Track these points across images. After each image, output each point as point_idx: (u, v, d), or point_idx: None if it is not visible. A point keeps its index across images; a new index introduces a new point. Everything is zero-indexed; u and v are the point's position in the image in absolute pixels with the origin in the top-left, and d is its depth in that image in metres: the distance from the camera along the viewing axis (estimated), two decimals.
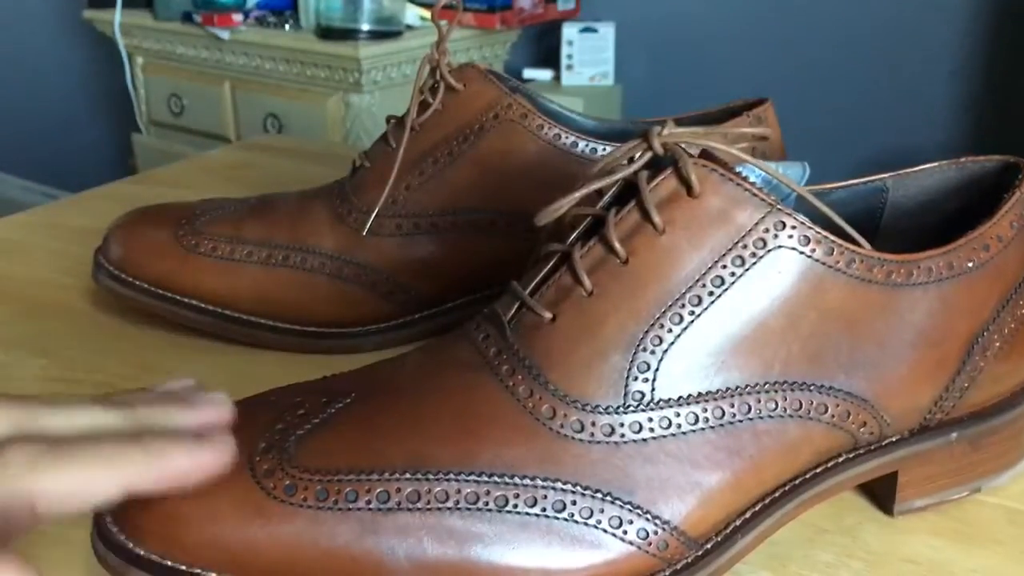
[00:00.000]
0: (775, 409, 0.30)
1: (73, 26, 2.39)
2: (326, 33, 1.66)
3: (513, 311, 0.31)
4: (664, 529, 0.28)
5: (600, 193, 0.31)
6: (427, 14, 1.70)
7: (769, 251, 0.29)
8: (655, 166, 0.30)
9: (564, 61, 1.83)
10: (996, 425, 0.35)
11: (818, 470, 0.32)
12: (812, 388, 0.31)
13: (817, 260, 0.30)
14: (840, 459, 0.33)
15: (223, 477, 0.27)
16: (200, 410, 0.28)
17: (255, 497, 0.27)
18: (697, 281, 0.29)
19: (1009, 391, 0.35)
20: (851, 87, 1.69)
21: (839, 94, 1.70)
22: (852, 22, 1.66)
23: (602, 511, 0.28)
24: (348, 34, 1.63)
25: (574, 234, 0.31)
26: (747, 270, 0.29)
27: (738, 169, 0.30)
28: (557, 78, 1.86)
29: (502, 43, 1.89)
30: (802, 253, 0.30)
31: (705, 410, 0.29)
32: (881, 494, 0.36)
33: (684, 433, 0.29)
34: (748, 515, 0.31)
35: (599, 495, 0.28)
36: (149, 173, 0.78)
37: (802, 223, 0.30)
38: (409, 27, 1.71)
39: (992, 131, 1.60)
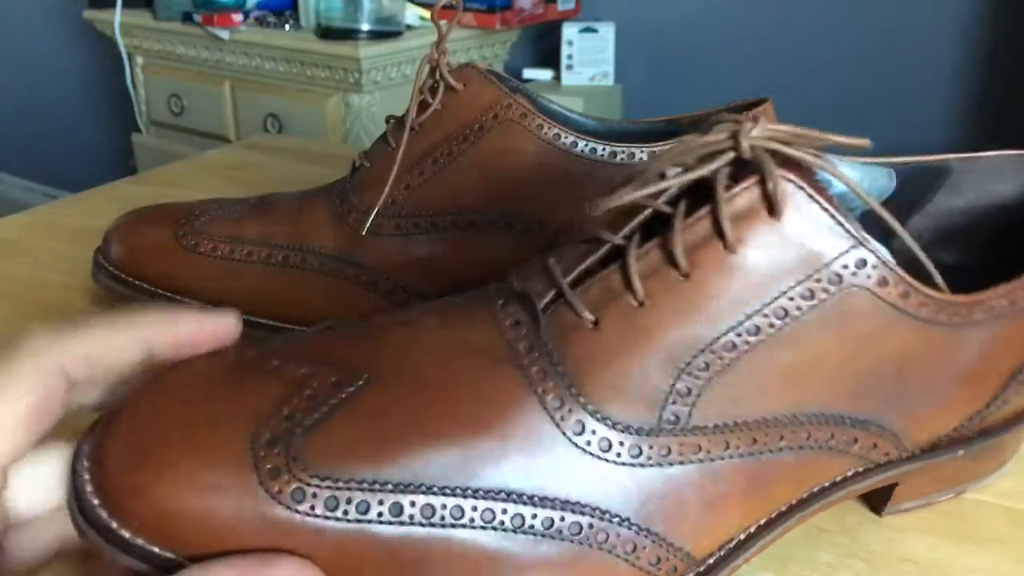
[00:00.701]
0: (807, 439, 0.29)
1: (73, 26, 2.39)
2: (326, 33, 1.66)
3: (548, 300, 0.28)
4: (676, 556, 0.28)
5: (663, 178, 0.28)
6: (427, 14, 1.70)
7: (842, 288, 0.27)
8: (735, 169, 0.27)
9: (564, 61, 1.83)
10: (998, 440, 0.35)
11: (826, 484, 0.32)
12: (847, 422, 0.29)
13: (889, 303, 0.28)
14: (849, 473, 0.32)
15: (223, 471, 0.25)
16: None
17: (259, 499, 0.25)
18: (759, 310, 0.27)
19: (1015, 412, 0.35)
20: (851, 87, 1.69)
21: (839, 94, 1.70)
22: (852, 22, 1.67)
23: (618, 536, 0.27)
24: (348, 34, 1.63)
25: (629, 226, 0.28)
26: (815, 305, 0.27)
27: (817, 177, 0.27)
28: (557, 78, 1.86)
29: (502, 43, 1.89)
30: (875, 295, 0.27)
31: (737, 438, 0.28)
32: (873, 497, 0.36)
33: (712, 460, 0.27)
34: (753, 530, 0.30)
35: (616, 520, 0.27)
36: (149, 173, 0.78)
37: (884, 263, 0.27)
38: (409, 27, 1.71)
39: (993, 132, 1.60)
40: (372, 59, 1.62)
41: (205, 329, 0.27)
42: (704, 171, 0.27)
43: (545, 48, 1.96)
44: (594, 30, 1.81)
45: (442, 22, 0.47)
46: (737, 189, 0.27)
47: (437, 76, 0.47)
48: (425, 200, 0.46)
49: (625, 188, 0.27)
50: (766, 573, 0.33)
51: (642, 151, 0.44)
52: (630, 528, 0.27)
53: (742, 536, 0.30)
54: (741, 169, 0.27)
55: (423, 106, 0.47)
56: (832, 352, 0.28)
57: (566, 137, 0.46)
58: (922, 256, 0.29)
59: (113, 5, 1.91)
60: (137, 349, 0.26)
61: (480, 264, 0.47)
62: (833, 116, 1.70)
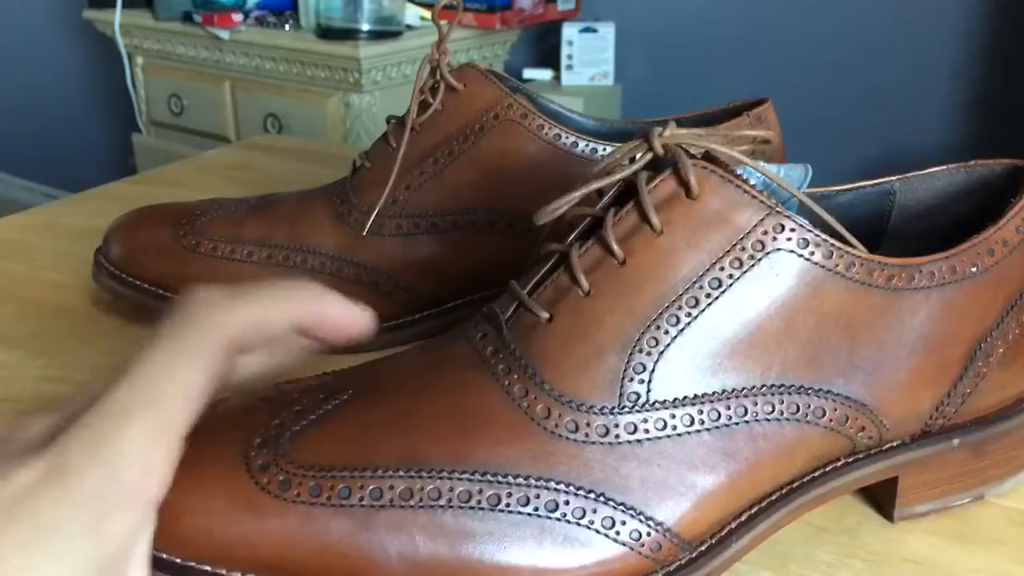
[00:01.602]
0: (772, 412, 0.30)
1: (73, 26, 2.39)
2: (326, 33, 1.66)
3: (511, 310, 0.31)
4: (657, 531, 0.28)
5: (601, 193, 0.31)
6: (427, 14, 1.70)
7: (767, 254, 0.29)
8: (655, 167, 0.30)
9: (564, 61, 1.83)
10: (999, 432, 0.35)
11: (816, 474, 0.32)
12: (810, 392, 0.30)
13: (816, 263, 0.29)
14: (839, 463, 0.32)
15: (217, 470, 0.27)
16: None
17: (248, 491, 0.27)
18: (694, 283, 0.29)
19: (1013, 398, 0.35)
20: (852, 87, 1.69)
21: (840, 94, 1.70)
22: (853, 22, 1.67)
23: (595, 511, 0.28)
24: (348, 34, 1.63)
25: (573, 234, 0.31)
26: (745, 272, 0.29)
27: (738, 171, 0.30)
28: (557, 78, 1.86)
29: (502, 43, 1.89)
30: (801, 256, 0.29)
31: (701, 412, 0.29)
32: (882, 499, 0.36)
33: (679, 435, 0.29)
34: (744, 518, 0.31)
35: (592, 495, 0.28)
36: (149, 173, 0.78)
37: (801, 226, 0.29)
38: (409, 27, 1.71)
39: (994, 132, 1.60)
40: (372, 59, 1.62)
41: (351, 319, 0.30)
42: (626, 172, 0.30)
43: (545, 48, 1.96)
44: (594, 30, 1.81)
45: (442, 22, 0.47)
46: (656, 181, 0.30)
47: (438, 76, 0.47)
48: (426, 200, 0.46)
49: (562, 198, 0.30)
50: (766, 572, 0.33)
51: None
52: (606, 503, 0.28)
53: (734, 524, 0.30)
54: (660, 169, 0.30)
55: (424, 106, 0.47)
56: (773, 317, 0.29)
57: (567, 137, 0.46)
58: (837, 225, 0.30)
59: (113, 5, 1.91)
60: (288, 321, 0.29)
61: (480, 264, 0.47)
62: (833, 116, 1.70)
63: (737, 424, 0.29)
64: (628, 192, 0.31)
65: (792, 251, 0.29)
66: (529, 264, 0.32)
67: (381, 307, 0.47)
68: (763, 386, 0.30)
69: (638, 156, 0.30)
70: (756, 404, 0.30)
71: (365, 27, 1.63)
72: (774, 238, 0.29)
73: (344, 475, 0.27)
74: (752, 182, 0.30)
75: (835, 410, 0.31)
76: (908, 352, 0.32)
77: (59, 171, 2.74)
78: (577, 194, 0.30)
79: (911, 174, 0.37)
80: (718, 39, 1.80)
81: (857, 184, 0.36)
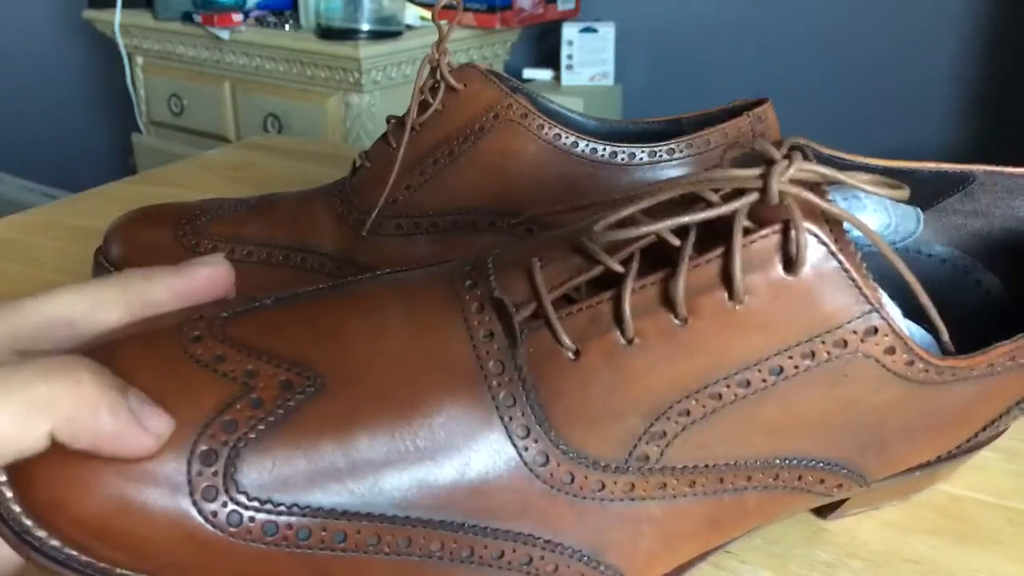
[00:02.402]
0: (774, 480, 0.28)
1: (73, 26, 2.39)
2: (326, 33, 1.66)
3: (528, 314, 0.26)
4: None
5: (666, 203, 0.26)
6: (427, 14, 1.70)
7: (847, 353, 0.25)
8: (758, 209, 0.25)
9: (564, 61, 1.83)
10: (959, 460, 0.34)
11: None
12: (819, 465, 0.28)
13: (891, 370, 0.26)
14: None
15: (156, 486, 0.23)
16: (189, 277, 0.28)
17: (192, 521, 0.23)
18: (754, 364, 0.25)
19: (979, 442, 0.34)
20: (852, 87, 1.69)
21: (840, 94, 1.70)
22: (852, 22, 1.67)
23: (568, 567, 0.26)
24: (348, 34, 1.63)
25: (629, 250, 0.26)
26: (813, 366, 0.25)
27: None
28: (557, 78, 1.86)
29: (502, 43, 1.89)
30: (879, 362, 0.26)
31: (705, 479, 0.27)
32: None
33: (674, 498, 0.26)
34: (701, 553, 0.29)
35: (568, 552, 0.26)
36: (149, 173, 0.78)
37: (895, 333, 0.25)
38: (409, 27, 1.71)
39: (994, 132, 1.60)
40: (372, 59, 1.62)
41: (126, 445, 0.23)
42: (723, 210, 0.24)
43: (545, 48, 1.96)
44: (594, 30, 1.81)
45: (442, 22, 0.47)
46: (755, 237, 0.24)
47: (438, 76, 0.47)
48: (426, 200, 0.46)
49: (630, 208, 0.25)
50: (765, 572, 0.33)
51: (642, 151, 0.44)
52: (581, 559, 0.26)
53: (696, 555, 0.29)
54: (762, 204, 0.24)
55: (424, 106, 0.47)
56: (819, 408, 0.26)
57: (566, 137, 0.46)
58: (936, 319, 0.27)
59: (113, 5, 1.91)
60: (36, 443, 0.22)
61: None
62: (833, 116, 1.70)
63: (735, 490, 0.27)
64: (712, 228, 0.25)
65: (873, 357, 0.26)
66: (554, 246, 0.27)
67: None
68: (776, 459, 0.27)
69: (744, 192, 0.24)
70: (763, 475, 0.27)
71: (365, 27, 1.63)
72: (862, 340, 0.25)
73: (306, 513, 0.24)
74: (850, 234, 0.26)
75: (834, 480, 0.29)
76: (930, 432, 0.29)
77: (59, 171, 2.74)
78: (655, 227, 0.24)
79: (1001, 169, 0.33)
80: (718, 39, 1.80)
81: (941, 165, 0.32)
